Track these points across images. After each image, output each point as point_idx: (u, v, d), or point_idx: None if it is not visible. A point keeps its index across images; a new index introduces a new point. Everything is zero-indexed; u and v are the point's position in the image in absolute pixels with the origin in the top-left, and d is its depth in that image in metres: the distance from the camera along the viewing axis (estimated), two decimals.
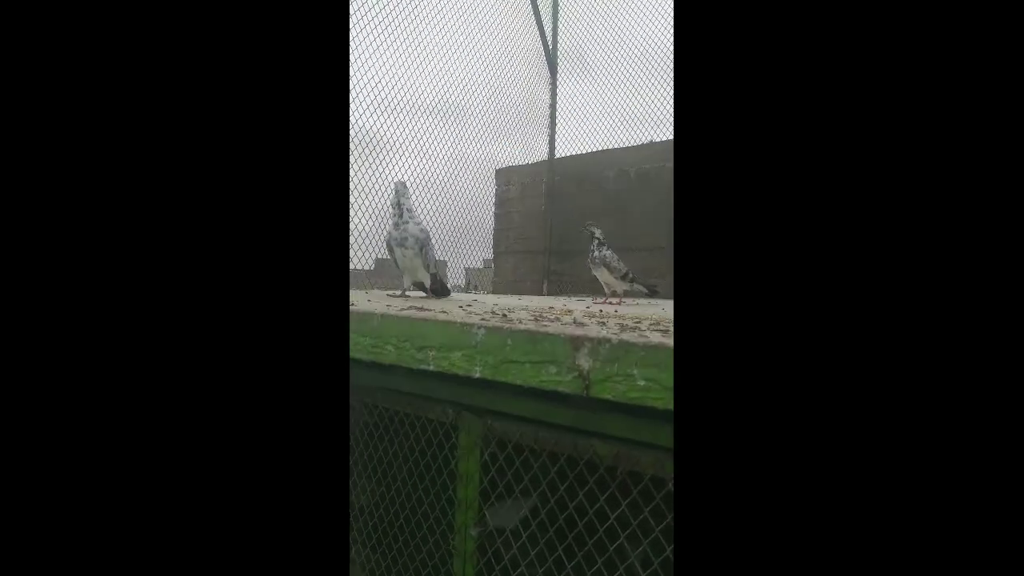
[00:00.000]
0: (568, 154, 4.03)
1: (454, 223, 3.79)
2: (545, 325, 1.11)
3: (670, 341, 0.89)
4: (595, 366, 0.93)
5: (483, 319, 1.19)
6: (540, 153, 4.09)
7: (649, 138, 3.59)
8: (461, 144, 3.78)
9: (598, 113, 3.96)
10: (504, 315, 1.32)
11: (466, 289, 4.33)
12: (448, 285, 2.50)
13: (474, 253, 4.12)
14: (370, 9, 3.02)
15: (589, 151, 3.91)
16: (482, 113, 3.84)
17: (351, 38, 2.92)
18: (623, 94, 3.80)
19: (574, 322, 1.21)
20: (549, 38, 4.03)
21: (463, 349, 1.11)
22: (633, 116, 3.72)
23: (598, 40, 3.96)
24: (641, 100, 3.66)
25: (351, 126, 2.96)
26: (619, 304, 2.30)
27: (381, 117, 3.17)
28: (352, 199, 2.94)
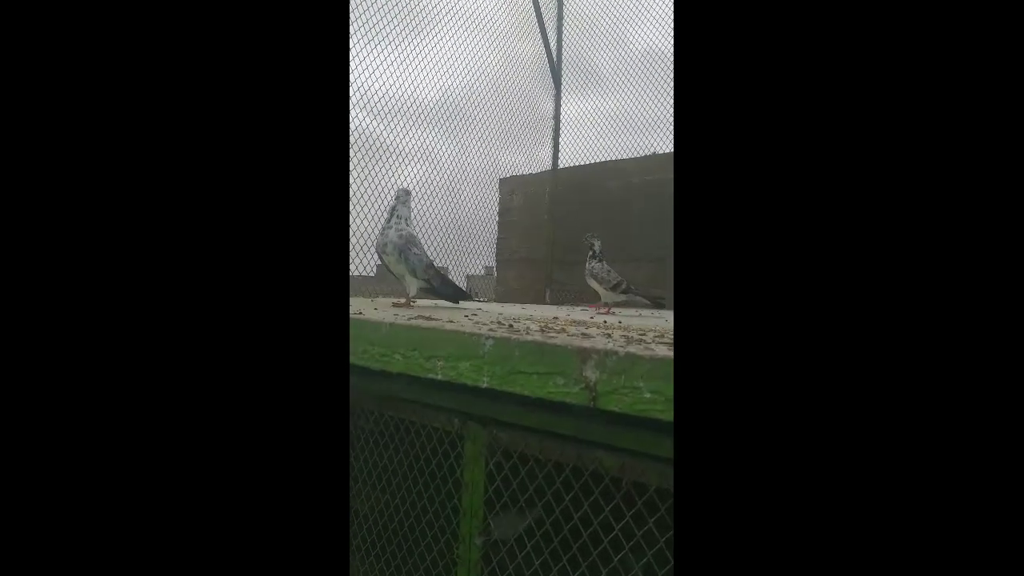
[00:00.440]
0: (572, 164, 4.05)
1: (457, 230, 3.81)
2: (552, 336, 1.12)
3: None
4: (602, 378, 0.94)
5: (491, 329, 1.20)
6: (544, 163, 4.12)
7: (653, 149, 3.62)
8: (466, 153, 3.82)
9: (602, 124, 3.99)
10: (511, 325, 1.33)
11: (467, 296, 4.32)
12: (464, 287, 2.43)
13: (476, 260, 4.14)
14: (378, 21, 3.05)
15: (593, 162, 3.93)
16: (487, 123, 3.87)
17: (362, 49, 2.97)
18: (627, 105, 3.83)
19: (582, 335, 1.22)
20: (553, 49, 4.07)
21: (471, 359, 1.12)
22: (637, 127, 3.76)
23: (602, 51, 4.00)
24: (645, 111, 3.69)
25: (359, 132, 2.99)
26: (607, 313, 2.39)
27: (387, 123, 3.20)
28: (355, 205, 2.96)
